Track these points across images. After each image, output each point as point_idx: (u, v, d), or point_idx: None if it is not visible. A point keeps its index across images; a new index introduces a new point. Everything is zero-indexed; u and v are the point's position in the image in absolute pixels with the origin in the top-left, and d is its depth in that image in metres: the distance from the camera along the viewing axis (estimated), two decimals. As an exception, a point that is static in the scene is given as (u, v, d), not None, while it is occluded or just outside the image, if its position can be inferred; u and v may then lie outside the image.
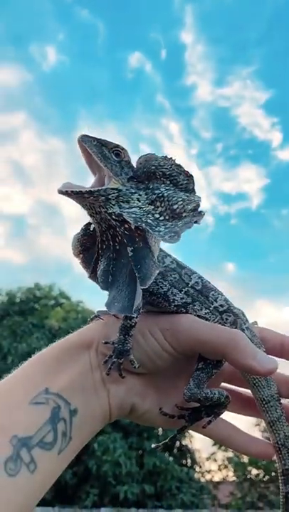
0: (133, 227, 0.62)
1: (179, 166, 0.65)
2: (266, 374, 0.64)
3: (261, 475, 11.08)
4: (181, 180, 0.65)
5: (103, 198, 0.62)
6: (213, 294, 0.71)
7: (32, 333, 11.59)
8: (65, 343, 0.67)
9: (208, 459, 11.27)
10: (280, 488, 0.71)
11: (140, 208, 0.64)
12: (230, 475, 11.51)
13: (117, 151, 0.65)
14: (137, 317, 0.65)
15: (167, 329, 0.66)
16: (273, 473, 10.69)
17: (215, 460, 11.56)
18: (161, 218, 0.63)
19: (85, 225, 0.69)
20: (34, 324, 11.85)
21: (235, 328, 0.70)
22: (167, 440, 0.74)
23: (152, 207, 0.64)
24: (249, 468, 11.23)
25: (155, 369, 0.68)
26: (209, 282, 0.72)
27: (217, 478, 11.52)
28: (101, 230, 0.65)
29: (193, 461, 11.15)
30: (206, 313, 0.70)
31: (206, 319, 0.69)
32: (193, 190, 0.65)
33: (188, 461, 11.11)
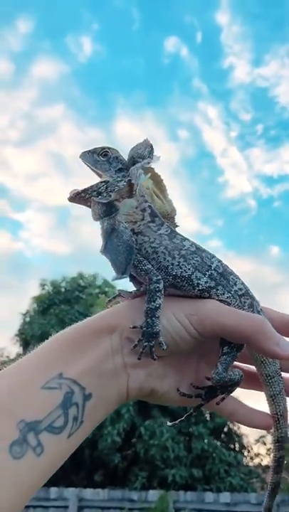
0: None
1: (147, 141, 0.74)
2: (288, 358, 0.66)
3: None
4: (146, 153, 0.73)
5: (95, 192, 0.72)
6: (232, 278, 0.73)
7: (79, 321, 11.80)
8: (84, 326, 0.68)
9: (257, 441, 11.22)
10: (274, 453, 0.77)
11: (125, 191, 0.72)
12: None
13: (105, 152, 0.74)
14: (160, 298, 0.67)
15: (193, 314, 0.67)
16: None
17: (264, 443, 11.50)
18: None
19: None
20: (80, 312, 12.09)
21: (252, 310, 0.72)
22: (183, 418, 0.76)
23: None
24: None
25: (178, 351, 0.69)
26: (227, 266, 0.74)
27: (266, 462, 11.47)
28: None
29: (242, 446, 11.15)
30: (227, 297, 0.71)
31: (228, 303, 0.71)
32: (151, 156, 0.73)
33: (237, 445, 11.12)
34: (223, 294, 0.71)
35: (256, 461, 11.50)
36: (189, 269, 0.71)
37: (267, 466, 11.11)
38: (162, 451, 9.13)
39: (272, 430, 0.76)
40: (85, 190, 0.72)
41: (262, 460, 11.57)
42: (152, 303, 0.66)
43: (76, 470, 9.41)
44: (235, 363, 0.76)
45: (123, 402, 0.69)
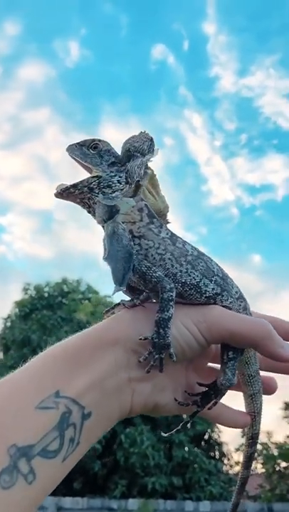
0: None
1: (145, 134, 0.68)
2: None
3: (291, 468, 11.00)
4: (146, 147, 0.67)
5: (86, 188, 0.66)
6: (230, 281, 0.72)
7: (61, 327, 11.74)
8: (83, 338, 0.63)
9: (237, 450, 11.25)
10: (246, 449, 0.78)
11: (121, 189, 0.67)
12: (259, 467, 11.47)
13: (95, 144, 0.68)
14: (173, 308, 0.63)
15: (201, 322, 0.65)
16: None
17: (243, 452, 11.52)
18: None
19: None
20: (63, 318, 12.01)
21: (246, 312, 0.72)
22: (179, 427, 0.75)
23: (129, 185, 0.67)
24: (278, 460, 11.16)
25: (183, 360, 0.68)
26: (222, 268, 0.72)
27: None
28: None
29: (222, 454, 11.16)
30: (230, 303, 0.70)
31: (230, 308, 0.69)
32: (151, 151, 0.68)
33: (217, 453, 11.13)
34: (227, 299, 0.70)
35: (236, 469, 11.52)
36: (197, 275, 0.68)
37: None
38: (142, 459, 9.08)
39: (246, 428, 0.76)
40: (74, 186, 0.66)
41: (242, 468, 11.58)
42: (166, 312, 0.62)
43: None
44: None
45: (123, 418, 0.65)
